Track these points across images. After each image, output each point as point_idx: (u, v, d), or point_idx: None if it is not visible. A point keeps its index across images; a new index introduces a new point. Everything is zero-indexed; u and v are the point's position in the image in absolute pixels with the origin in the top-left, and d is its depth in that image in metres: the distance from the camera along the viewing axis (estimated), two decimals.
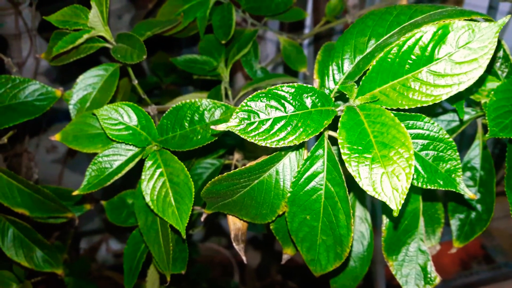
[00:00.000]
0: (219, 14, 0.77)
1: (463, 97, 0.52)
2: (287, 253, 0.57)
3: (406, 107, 0.40)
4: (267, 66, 1.02)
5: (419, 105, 0.39)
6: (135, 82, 0.67)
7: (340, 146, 0.39)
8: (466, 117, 0.56)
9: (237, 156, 0.77)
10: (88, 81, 0.63)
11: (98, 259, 1.52)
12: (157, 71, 1.25)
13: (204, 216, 0.58)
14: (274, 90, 0.42)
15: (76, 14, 0.60)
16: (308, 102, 0.42)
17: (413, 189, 0.55)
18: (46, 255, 0.73)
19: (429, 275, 0.54)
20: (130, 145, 0.56)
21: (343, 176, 0.45)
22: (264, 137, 0.41)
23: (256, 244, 1.69)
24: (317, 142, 0.46)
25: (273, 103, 0.42)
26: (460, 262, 1.66)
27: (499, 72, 0.54)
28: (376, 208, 1.14)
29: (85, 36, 0.58)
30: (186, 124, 0.54)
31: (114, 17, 1.41)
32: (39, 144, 1.34)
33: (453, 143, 0.43)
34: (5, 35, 1.23)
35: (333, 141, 0.45)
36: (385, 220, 0.55)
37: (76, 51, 0.62)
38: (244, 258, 0.57)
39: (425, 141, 0.44)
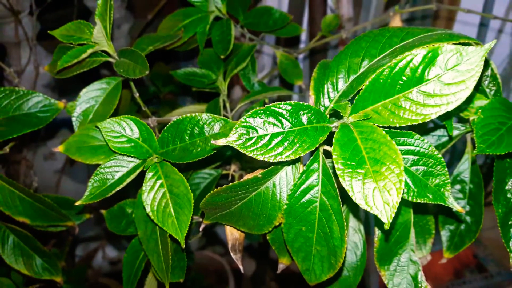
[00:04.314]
0: (219, 29, 0.80)
1: (452, 115, 0.54)
2: (283, 262, 0.59)
3: (397, 125, 0.42)
4: (263, 78, 1.04)
5: (409, 123, 0.41)
6: (137, 95, 0.69)
7: (334, 161, 0.41)
8: (455, 133, 0.58)
9: (234, 166, 0.79)
10: (91, 94, 0.65)
11: (94, 266, 1.52)
12: (156, 81, 1.27)
13: (202, 226, 0.59)
14: (272, 107, 0.44)
15: (80, 29, 0.61)
16: (304, 119, 0.44)
17: (404, 202, 0.57)
18: (46, 263, 0.74)
19: (419, 285, 0.56)
20: (132, 157, 0.58)
21: (337, 189, 0.47)
22: (262, 151, 0.43)
23: (251, 251, 1.70)
24: (312, 157, 0.48)
25: (271, 119, 0.44)
26: (453, 271, 1.68)
27: (487, 90, 0.57)
28: (370, 217, 1.16)
29: (89, 51, 0.60)
30: (186, 137, 0.56)
31: (113, 27, 1.42)
32: (37, 151, 1.35)
33: (442, 159, 0.46)
34: (5, 43, 1.25)
35: (327, 154, 0.47)
36: (377, 231, 0.57)
37: (79, 65, 0.64)
38: (241, 267, 0.58)
39: (415, 157, 0.46)
